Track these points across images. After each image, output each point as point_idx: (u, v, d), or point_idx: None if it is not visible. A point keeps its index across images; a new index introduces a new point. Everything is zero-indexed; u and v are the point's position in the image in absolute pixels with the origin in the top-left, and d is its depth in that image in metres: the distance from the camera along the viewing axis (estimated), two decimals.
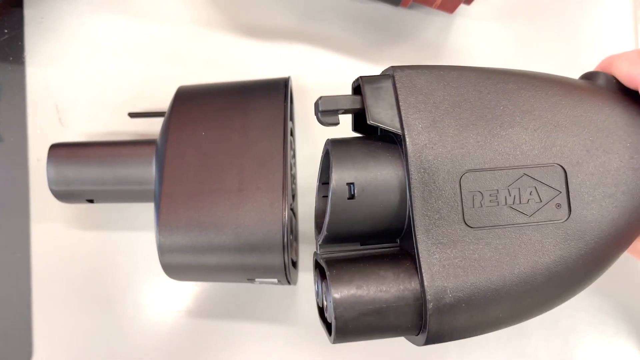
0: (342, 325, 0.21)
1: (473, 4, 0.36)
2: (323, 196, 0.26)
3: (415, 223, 0.22)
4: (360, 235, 0.24)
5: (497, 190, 0.22)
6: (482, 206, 0.22)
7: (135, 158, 0.32)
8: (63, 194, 0.33)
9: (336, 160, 0.22)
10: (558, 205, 0.23)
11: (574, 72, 0.32)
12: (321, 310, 0.24)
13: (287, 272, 0.30)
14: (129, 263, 0.36)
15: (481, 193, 0.22)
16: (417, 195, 0.22)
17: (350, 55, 0.38)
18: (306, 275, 0.36)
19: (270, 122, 0.31)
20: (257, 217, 0.29)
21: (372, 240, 0.24)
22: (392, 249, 0.24)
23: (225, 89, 0.33)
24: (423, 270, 0.21)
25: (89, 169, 0.32)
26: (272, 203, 0.29)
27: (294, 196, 0.35)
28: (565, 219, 0.23)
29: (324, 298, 0.23)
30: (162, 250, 0.29)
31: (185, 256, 0.30)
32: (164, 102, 0.37)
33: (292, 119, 0.36)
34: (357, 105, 0.23)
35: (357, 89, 0.24)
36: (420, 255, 0.22)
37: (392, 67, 0.24)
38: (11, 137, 0.37)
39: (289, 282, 0.31)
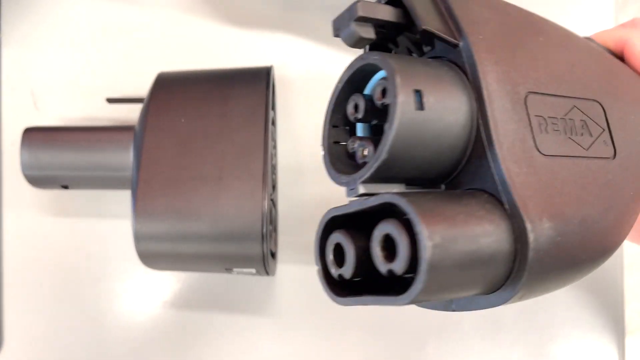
0: (432, 273, 0.16)
1: None
2: (334, 142, 0.20)
3: (493, 143, 0.18)
4: (416, 168, 0.19)
5: (557, 117, 0.20)
6: (547, 132, 0.20)
7: (113, 144, 0.31)
8: (37, 179, 0.32)
9: (397, 64, 0.17)
10: (605, 142, 0.21)
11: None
12: (338, 284, 0.19)
13: (265, 262, 0.29)
14: (104, 251, 0.36)
15: (544, 118, 0.20)
16: (493, 111, 0.18)
17: (332, 47, 0.38)
18: (285, 267, 0.36)
19: (252, 111, 0.30)
20: (236, 206, 0.29)
21: (416, 185, 0.19)
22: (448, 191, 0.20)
23: (207, 76, 0.33)
24: (516, 199, 0.17)
25: (64, 154, 0.31)
26: (252, 192, 0.29)
27: (274, 186, 0.35)
28: (612, 157, 0.21)
29: (378, 251, 0.17)
30: (139, 237, 0.29)
31: (162, 244, 0.29)
32: (142, 88, 0.36)
33: (273, 108, 0.35)
34: (398, 19, 0.19)
35: (389, 2, 0.20)
36: (508, 181, 0.18)
37: None
38: None
39: (267, 273, 0.31)
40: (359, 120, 0.19)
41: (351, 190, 0.18)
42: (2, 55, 0.36)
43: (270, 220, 0.32)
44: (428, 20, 0.19)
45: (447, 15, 0.20)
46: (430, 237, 0.15)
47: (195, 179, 0.29)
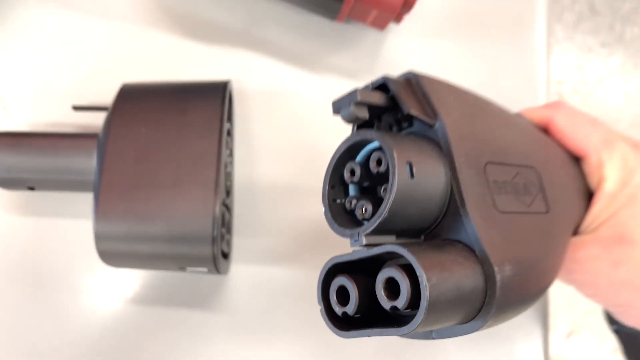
0: (433, 309, 0.20)
1: (403, 23, 0.39)
2: (333, 200, 0.24)
3: (466, 206, 0.22)
4: (406, 223, 0.23)
5: (507, 181, 0.25)
6: (500, 194, 0.24)
7: (78, 150, 0.34)
8: (5, 181, 0.34)
9: (393, 141, 0.22)
10: (540, 200, 0.26)
11: (494, 91, 0.36)
12: (337, 318, 0.22)
13: (216, 262, 0.32)
14: (67, 250, 0.38)
15: (497, 183, 0.24)
16: (463, 178, 0.23)
17: (289, 63, 0.40)
18: (238, 267, 0.39)
19: (207, 123, 0.33)
20: (189, 210, 0.31)
21: (403, 236, 0.23)
22: (428, 240, 0.24)
23: (167, 88, 0.35)
24: (486, 249, 0.22)
25: (31, 158, 0.33)
26: (204, 198, 0.31)
27: (228, 192, 0.37)
28: (545, 211, 0.26)
29: (380, 289, 0.21)
30: (99, 237, 0.31)
31: (121, 244, 0.32)
32: (107, 97, 0.38)
33: (230, 119, 0.38)
34: (387, 103, 0.24)
35: (377, 88, 0.25)
36: (480, 234, 0.22)
37: (411, 71, 0.25)
38: None
39: (218, 272, 0.34)
40: (353, 183, 0.23)
41: (355, 241, 0.22)
42: None
43: (223, 223, 0.34)
44: (410, 105, 0.23)
45: (424, 100, 0.24)
46: (429, 279, 0.19)
47: (153, 185, 0.32)
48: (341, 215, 0.24)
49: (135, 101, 0.34)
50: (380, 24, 0.37)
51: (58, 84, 0.39)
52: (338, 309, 0.22)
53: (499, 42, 0.42)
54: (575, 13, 1.01)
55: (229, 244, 0.38)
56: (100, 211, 0.31)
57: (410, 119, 0.24)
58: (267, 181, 0.40)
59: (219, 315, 0.39)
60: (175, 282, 0.38)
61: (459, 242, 0.23)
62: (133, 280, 0.38)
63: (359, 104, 0.23)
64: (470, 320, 0.22)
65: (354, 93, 0.23)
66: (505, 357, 0.40)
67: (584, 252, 0.29)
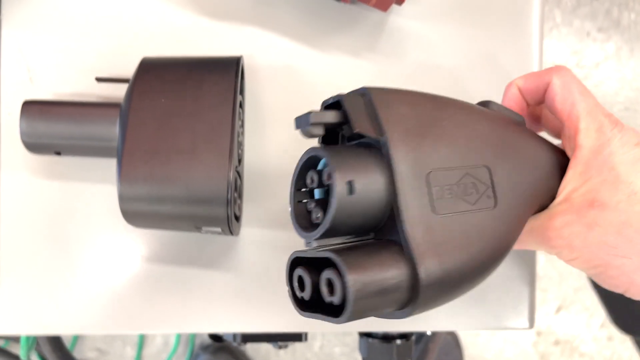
0: (357, 304, 0.24)
1: (405, 5, 0.42)
2: (298, 201, 0.28)
3: (401, 212, 0.26)
4: (353, 228, 0.27)
5: (451, 185, 0.28)
6: (443, 198, 0.27)
7: (102, 118, 0.36)
8: (33, 146, 0.37)
9: (337, 162, 0.26)
10: (489, 197, 0.29)
11: (489, 72, 0.40)
12: (304, 302, 0.27)
13: (229, 223, 0.35)
14: (90, 211, 0.41)
15: (441, 187, 0.28)
16: (401, 190, 0.26)
17: (296, 40, 0.43)
18: (247, 229, 0.42)
19: (222, 94, 0.36)
20: (205, 174, 0.34)
21: (357, 233, 0.28)
22: (371, 240, 0.28)
23: (184, 62, 0.38)
24: (413, 252, 0.26)
25: (58, 124, 0.36)
26: (219, 164, 0.34)
27: (240, 160, 0.40)
28: (493, 206, 0.29)
29: (322, 287, 0.25)
30: (123, 198, 0.34)
31: (142, 205, 0.35)
32: (126, 69, 0.41)
33: (242, 93, 0.41)
34: (339, 120, 0.28)
35: (331, 105, 0.29)
36: (408, 239, 0.26)
37: (365, 87, 0.29)
38: None
39: (231, 233, 0.37)
40: (314, 188, 0.28)
41: (308, 243, 0.27)
42: (2, 34, 0.41)
43: (235, 188, 0.37)
44: (359, 123, 0.27)
45: (373, 117, 0.27)
46: (353, 282, 0.24)
47: (172, 151, 0.34)
48: (304, 216, 0.28)
49: (155, 74, 0.37)
50: (383, 6, 0.40)
51: (81, 56, 0.41)
52: (298, 293, 0.26)
53: (496, 24, 0.45)
54: None
55: (240, 208, 0.41)
56: (124, 174, 0.34)
57: (361, 134, 0.27)
58: (275, 150, 0.43)
59: (229, 274, 0.42)
60: (188, 242, 0.41)
61: (396, 243, 0.26)
62: (150, 240, 0.41)
63: (314, 124, 0.27)
64: (405, 307, 0.26)
65: (308, 115, 0.27)
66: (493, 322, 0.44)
67: (559, 219, 0.32)
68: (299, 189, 0.29)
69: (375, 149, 0.27)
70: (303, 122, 0.27)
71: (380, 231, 0.27)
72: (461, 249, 0.27)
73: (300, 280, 0.26)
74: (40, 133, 0.36)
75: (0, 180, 0.41)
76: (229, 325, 0.42)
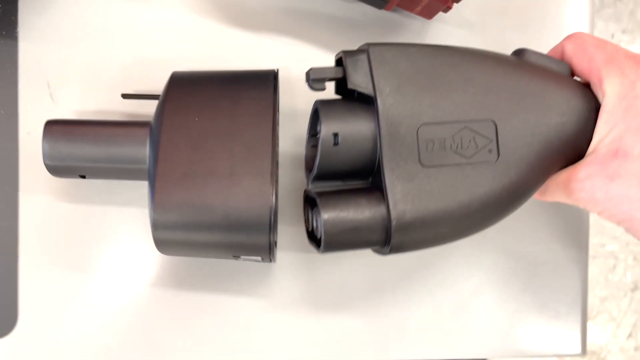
0: (329, 238, 0.29)
1: (449, 12, 0.39)
2: (312, 146, 0.32)
3: (383, 164, 0.29)
4: (342, 174, 0.31)
5: (445, 138, 0.29)
6: (433, 151, 0.29)
7: (130, 138, 0.34)
8: (57, 169, 0.34)
9: (324, 116, 0.29)
10: (490, 151, 0.30)
11: None
12: (310, 233, 0.32)
13: (271, 251, 0.32)
14: (115, 237, 0.38)
15: (433, 141, 0.29)
16: (385, 143, 0.29)
17: (333, 52, 0.40)
18: (282, 254, 0.39)
19: (260, 112, 0.33)
20: (246, 200, 0.31)
21: (350, 178, 0.31)
22: (365, 184, 0.31)
23: (217, 77, 0.35)
24: (389, 198, 0.29)
25: (84, 146, 0.33)
26: (260, 188, 0.31)
27: (276, 181, 0.38)
28: (495, 160, 0.30)
29: (313, 221, 0.31)
30: (156, 226, 0.31)
31: (177, 233, 0.32)
32: (153, 84, 0.38)
33: (277, 110, 0.38)
34: (339, 75, 0.30)
35: (339, 61, 0.31)
36: (386, 187, 0.29)
37: (366, 43, 0.30)
38: (1, 110, 0.38)
39: (271, 260, 0.34)
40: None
41: (310, 184, 0.32)
42: (20, 48, 0.38)
43: (275, 212, 0.35)
44: (354, 78, 0.29)
45: (370, 72, 0.29)
46: (326, 219, 0.28)
47: (208, 175, 0.32)
48: (312, 160, 0.32)
49: (187, 90, 0.34)
50: (429, 14, 0.37)
51: (104, 71, 0.38)
52: (308, 226, 0.32)
53: (542, 31, 0.42)
54: None
55: (276, 232, 0.38)
56: (157, 200, 0.31)
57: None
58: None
59: (264, 301, 0.39)
60: (219, 268, 0.39)
61: (380, 189, 0.29)
62: (179, 266, 0.39)
63: (315, 80, 0.30)
64: (383, 246, 0.30)
65: (308, 72, 0.30)
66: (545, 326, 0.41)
67: (583, 171, 0.30)
68: (313, 135, 0.32)
69: (367, 104, 0.30)
70: (307, 77, 0.30)
71: (375, 177, 0.30)
72: (443, 199, 0.29)
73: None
74: (65, 156, 0.33)
75: (19, 204, 0.38)
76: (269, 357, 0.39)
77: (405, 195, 0.29)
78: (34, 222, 0.38)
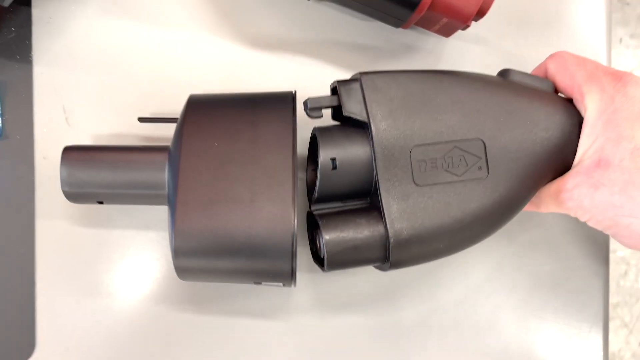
0: (331, 258, 0.31)
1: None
2: (312, 169, 0.33)
3: (379, 185, 0.31)
4: (341, 196, 0.32)
5: (436, 158, 0.31)
6: (426, 170, 0.31)
7: (149, 164, 0.33)
8: (75, 196, 0.34)
9: (322, 142, 0.31)
10: (480, 168, 0.31)
11: None
12: (314, 253, 0.33)
13: (293, 277, 0.32)
14: (132, 260, 0.38)
15: (425, 161, 0.31)
16: (380, 165, 0.31)
17: (349, 70, 0.40)
18: (300, 275, 0.39)
19: (279, 136, 0.32)
20: (268, 227, 0.31)
21: (349, 199, 0.33)
22: (364, 204, 0.32)
23: (235, 100, 0.35)
24: (385, 217, 0.30)
25: (102, 172, 0.33)
26: (282, 214, 0.31)
27: (296, 205, 0.37)
28: (485, 176, 0.31)
29: (317, 242, 0.32)
30: (177, 254, 0.31)
31: (198, 261, 0.32)
32: (170, 107, 0.38)
33: (296, 131, 0.37)
34: (335, 103, 0.32)
35: (334, 89, 0.33)
36: (383, 207, 0.30)
37: (359, 72, 0.32)
38: (17, 135, 0.38)
39: (293, 286, 0.33)
40: None
41: (311, 206, 0.33)
42: (35, 72, 0.38)
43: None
44: (349, 105, 0.31)
45: (363, 100, 0.31)
46: (327, 240, 0.31)
47: (230, 201, 0.31)
48: (313, 182, 0.33)
49: (205, 113, 0.34)
50: (447, 32, 0.37)
51: (120, 95, 0.38)
52: (313, 247, 0.33)
53: (558, 43, 0.42)
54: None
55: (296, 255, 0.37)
56: (178, 228, 0.31)
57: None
58: None
59: (284, 324, 0.39)
60: (237, 292, 0.38)
61: (377, 208, 0.31)
62: (198, 290, 0.38)
63: (312, 109, 0.32)
64: (383, 263, 0.32)
65: (305, 101, 0.32)
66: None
67: (570, 181, 0.32)
68: (313, 159, 0.34)
69: (362, 129, 0.32)
70: (305, 106, 0.32)
71: (373, 197, 0.32)
72: (437, 215, 0.30)
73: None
74: (83, 182, 0.33)
75: (36, 229, 0.38)
76: None
77: (401, 213, 0.30)
78: (50, 248, 0.38)
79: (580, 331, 0.41)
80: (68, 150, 0.34)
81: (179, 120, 0.34)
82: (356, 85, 0.32)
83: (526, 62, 0.41)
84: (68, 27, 0.38)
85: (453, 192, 0.31)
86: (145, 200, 0.34)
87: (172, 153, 0.33)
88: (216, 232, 0.31)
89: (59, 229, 0.38)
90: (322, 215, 0.32)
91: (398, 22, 0.36)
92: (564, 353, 0.41)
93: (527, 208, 0.34)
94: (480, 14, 0.34)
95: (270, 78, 0.39)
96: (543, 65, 0.35)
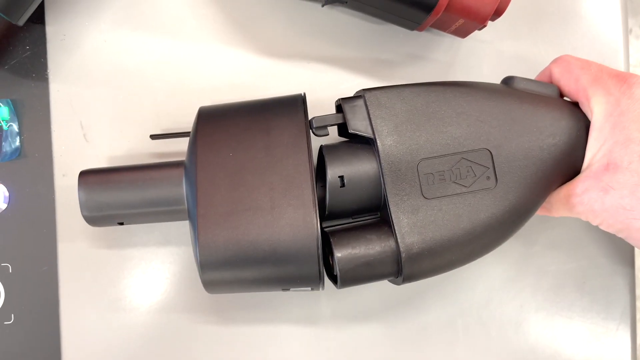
0: (344, 275, 0.31)
1: None
2: (320, 185, 0.33)
3: (388, 200, 0.31)
4: (350, 212, 0.32)
5: (444, 171, 0.31)
6: (434, 183, 0.31)
7: (166, 181, 0.33)
8: (95, 219, 0.33)
9: (329, 161, 0.32)
10: (488, 177, 0.31)
11: None
12: (327, 269, 0.33)
13: (321, 280, 0.32)
14: (154, 275, 0.38)
15: (432, 174, 0.31)
16: (388, 181, 0.31)
17: (362, 74, 0.40)
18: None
19: (294, 140, 0.32)
20: (292, 232, 0.31)
21: (358, 214, 0.33)
22: (374, 219, 0.32)
23: (245, 108, 0.34)
24: (396, 232, 0.30)
25: (120, 194, 0.33)
26: (304, 218, 0.31)
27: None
28: (494, 186, 0.31)
29: (329, 259, 0.32)
30: (203, 268, 0.31)
31: (225, 272, 0.31)
32: (186, 118, 0.38)
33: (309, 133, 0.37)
34: (340, 121, 0.32)
35: (339, 107, 0.33)
36: (393, 222, 0.30)
37: (362, 89, 0.32)
38: (36, 153, 0.38)
39: (320, 289, 0.33)
40: None
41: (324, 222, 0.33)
42: (51, 90, 0.38)
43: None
44: (354, 123, 0.32)
45: (367, 116, 0.31)
46: (339, 257, 0.30)
47: (250, 210, 0.31)
48: (322, 198, 0.33)
49: (216, 125, 0.33)
50: (463, 33, 0.36)
51: (136, 108, 0.38)
52: (327, 263, 0.33)
53: (575, 39, 0.41)
54: None
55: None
56: (202, 242, 0.31)
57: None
58: None
59: (309, 329, 0.38)
60: (261, 302, 0.38)
61: (388, 224, 0.31)
62: (221, 300, 0.38)
63: (318, 128, 0.32)
64: (398, 276, 0.31)
65: (311, 120, 0.32)
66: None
67: (580, 186, 0.32)
68: (321, 175, 0.33)
69: (368, 145, 0.32)
70: (310, 125, 0.32)
71: (383, 211, 0.32)
72: (448, 227, 0.30)
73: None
74: (102, 205, 0.33)
75: (58, 246, 0.38)
76: None
77: (411, 228, 0.30)
78: (73, 264, 0.38)
79: (607, 330, 0.40)
80: (85, 175, 0.33)
81: (191, 134, 0.33)
82: (360, 102, 0.32)
83: (543, 58, 0.41)
84: (82, 43, 0.38)
85: (462, 204, 0.31)
86: (165, 217, 0.34)
87: (188, 167, 0.33)
88: (240, 243, 0.31)
89: (81, 246, 0.38)
90: (333, 233, 0.32)
91: (413, 24, 0.36)
92: (591, 352, 0.40)
93: (540, 213, 0.34)
94: (497, 13, 0.34)
95: (283, 86, 0.39)
96: (547, 70, 0.35)
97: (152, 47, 0.39)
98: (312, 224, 0.31)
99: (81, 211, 0.33)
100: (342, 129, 0.34)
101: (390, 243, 0.30)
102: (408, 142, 0.31)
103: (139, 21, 0.39)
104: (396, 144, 0.31)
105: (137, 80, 0.38)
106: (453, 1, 0.33)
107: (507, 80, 0.34)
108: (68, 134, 0.38)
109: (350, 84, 0.40)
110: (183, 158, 0.34)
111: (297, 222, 0.31)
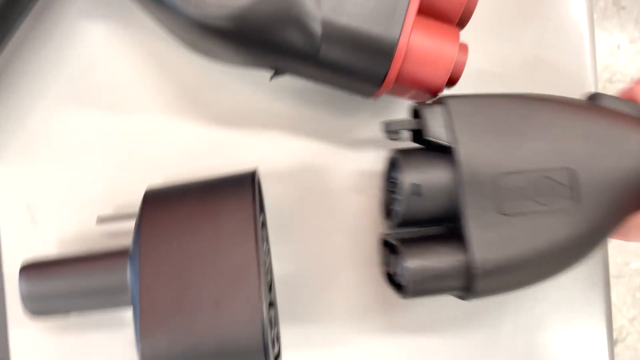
0: (414, 286, 0.30)
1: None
2: (388, 190, 0.33)
3: (464, 213, 0.29)
4: (421, 222, 0.31)
5: (524, 187, 0.30)
6: (513, 199, 0.30)
7: (110, 270, 0.32)
8: (39, 312, 0.32)
9: (405, 167, 0.30)
10: (569, 198, 0.30)
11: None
12: (389, 276, 0.33)
13: None
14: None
15: (512, 190, 0.30)
16: (465, 193, 0.29)
17: (321, 139, 0.38)
18: (288, 355, 0.37)
19: (241, 228, 0.31)
20: (237, 329, 0.29)
21: (427, 225, 0.32)
22: (442, 230, 0.31)
23: (193, 189, 0.33)
24: (472, 247, 0.29)
25: (62, 287, 0.32)
26: (251, 314, 0.29)
27: (270, 287, 0.35)
28: (574, 207, 0.30)
29: (395, 266, 0.31)
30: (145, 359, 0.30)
31: None
32: (135, 196, 0.36)
33: (262, 209, 0.36)
34: (417, 126, 0.31)
35: (415, 112, 0.31)
36: (467, 236, 0.29)
37: (444, 96, 0.31)
38: None
39: None
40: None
41: (390, 229, 0.33)
42: None
43: (271, 325, 0.32)
44: (433, 130, 0.30)
45: (448, 124, 0.30)
46: (408, 265, 0.29)
47: (194, 304, 0.30)
48: (389, 204, 0.33)
49: (163, 209, 0.32)
50: (421, 99, 0.35)
51: (84, 187, 0.37)
52: (387, 269, 0.33)
53: (539, 41, 0.40)
54: (600, 9, 0.97)
55: (278, 338, 0.36)
56: (144, 334, 0.29)
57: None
58: (305, 255, 0.38)
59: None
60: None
61: (460, 236, 0.30)
62: None
63: (391, 132, 0.31)
64: (465, 292, 0.30)
65: (385, 124, 0.31)
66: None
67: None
68: (390, 181, 0.33)
69: (444, 153, 0.30)
70: (384, 128, 0.31)
71: (453, 222, 0.30)
72: (523, 245, 0.29)
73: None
74: (45, 298, 0.32)
75: (9, 335, 0.36)
76: None
77: (487, 243, 0.29)
78: (25, 352, 0.36)
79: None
80: (26, 269, 0.32)
81: (136, 219, 0.32)
82: (440, 109, 0.30)
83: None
84: (27, 122, 0.37)
85: (540, 223, 0.30)
86: (112, 305, 0.33)
87: (133, 254, 0.32)
88: (183, 337, 0.30)
89: (33, 334, 0.36)
90: (403, 241, 0.31)
91: (366, 95, 0.34)
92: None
93: (614, 237, 0.33)
94: (450, 83, 0.33)
95: (237, 155, 0.38)
96: (631, 90, 0.34)
97: (100, 121, 0.37)
98: (258, 319, 0.29)
99: (23, 305, 0.32)
100: (416, 135, 0.33)
101: (460, 257, 0.29)
102: (489, 154, 0.30)
103: (86, 95, 0.37)
104: (476, 154, 0.30)
105: (85, 156, 0.37)
106: (402, 75, 0.32)
107: (593, 97, 0.33)
108: (14, 215, 0.37)
109: (306, 148, 0.38)
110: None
111: (242, 317, 0.29)
